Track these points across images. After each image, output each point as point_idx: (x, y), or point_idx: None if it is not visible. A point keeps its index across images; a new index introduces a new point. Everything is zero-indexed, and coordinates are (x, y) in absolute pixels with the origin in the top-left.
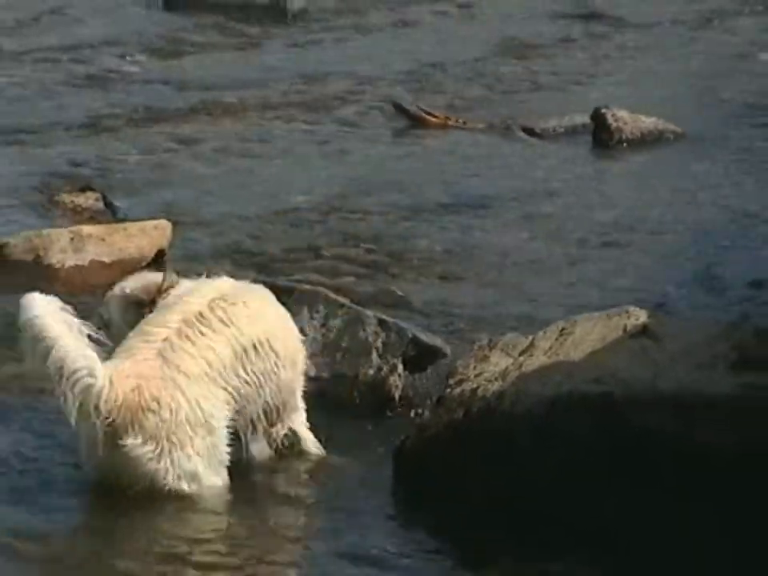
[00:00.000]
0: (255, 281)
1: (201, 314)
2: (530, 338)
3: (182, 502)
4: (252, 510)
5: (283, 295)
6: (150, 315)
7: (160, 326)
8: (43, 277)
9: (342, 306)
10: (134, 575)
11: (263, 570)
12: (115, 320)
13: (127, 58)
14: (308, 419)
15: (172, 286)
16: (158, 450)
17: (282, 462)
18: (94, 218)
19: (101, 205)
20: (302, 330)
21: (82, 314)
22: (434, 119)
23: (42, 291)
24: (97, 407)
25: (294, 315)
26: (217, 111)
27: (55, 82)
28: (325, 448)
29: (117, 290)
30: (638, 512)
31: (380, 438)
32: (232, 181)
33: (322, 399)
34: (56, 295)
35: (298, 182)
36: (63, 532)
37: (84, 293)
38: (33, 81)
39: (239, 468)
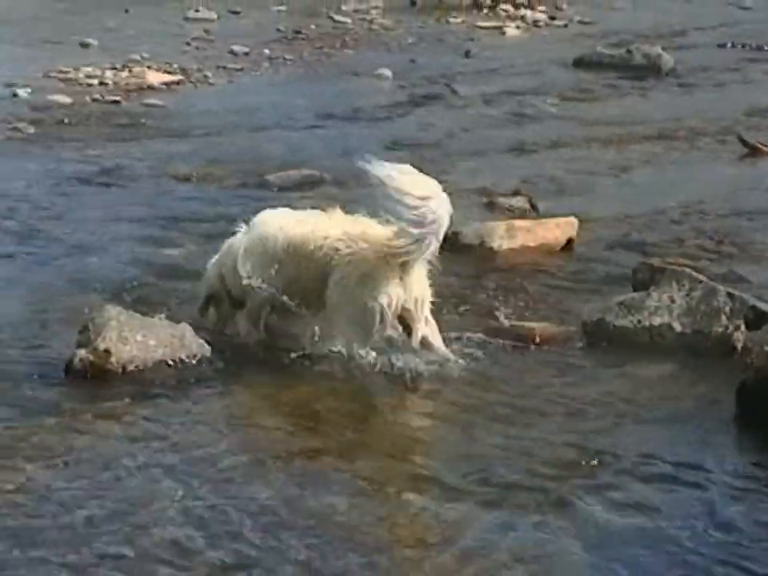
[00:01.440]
0: (640, 263)
1: None
2: None
3: None
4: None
5: (658, 272)
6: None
7: None
8: (485, 256)
9: (701, 281)
10: None
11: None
12: None
13: (546, 101)
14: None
15: None
16: None
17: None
18: (522, 215)
19: (527, 205)
20: (672, 299)
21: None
22: None
23: (484, 268)
24: None
25: (667, 287)
26: (609, 140)
27: (495, 118)
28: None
29: None
30: None
31: (727, 377)
32: (621, 190)
33: (686, 349)
34: (494, 270)
35: (668, 191)
36: None
37: (514, 267)
38: (479, 116)
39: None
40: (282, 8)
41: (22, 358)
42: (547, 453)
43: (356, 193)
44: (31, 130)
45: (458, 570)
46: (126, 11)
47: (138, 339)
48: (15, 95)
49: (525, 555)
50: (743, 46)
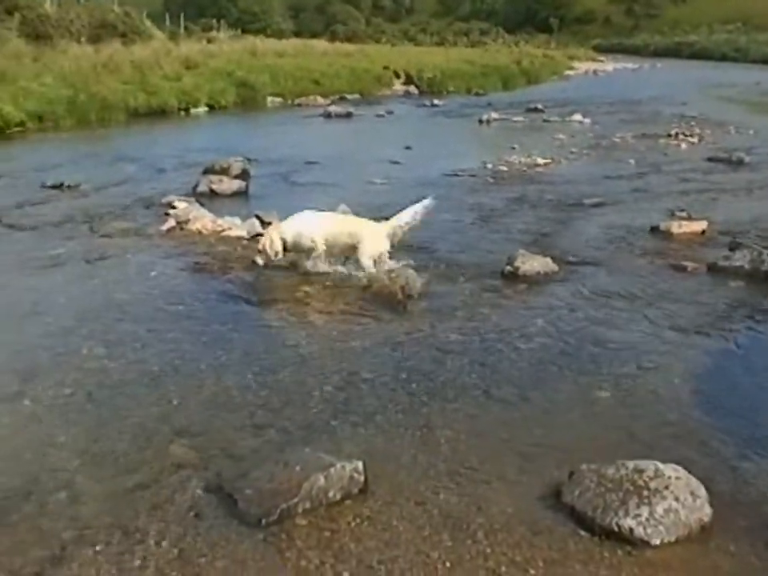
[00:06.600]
0: (731, 240)
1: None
2: None
3: None
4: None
5: (738, 244)
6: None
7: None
8: (668, 236)
9: (756, 248)
10: None
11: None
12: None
13: (688, 173)
14: None
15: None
16: None
17: None
18: (685, 218)
19: (686, 214)
20: (744, 255)
21: (677, 245)
22: None
23: (667, 240)
24: None
25: (741, 250)
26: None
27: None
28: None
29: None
30: None
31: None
32: (729, 204)
33: (749, 276)
34: (672, 241)
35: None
36: None
37: (679, 240)
38: (663, 178)
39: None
40: (590, 134)
41: (485, 267)
42: None
43: None
44: (491, 180)
45: None
46: (528, 135)
47: (530, 262)
48: (485, 167)
49: None
50: None
